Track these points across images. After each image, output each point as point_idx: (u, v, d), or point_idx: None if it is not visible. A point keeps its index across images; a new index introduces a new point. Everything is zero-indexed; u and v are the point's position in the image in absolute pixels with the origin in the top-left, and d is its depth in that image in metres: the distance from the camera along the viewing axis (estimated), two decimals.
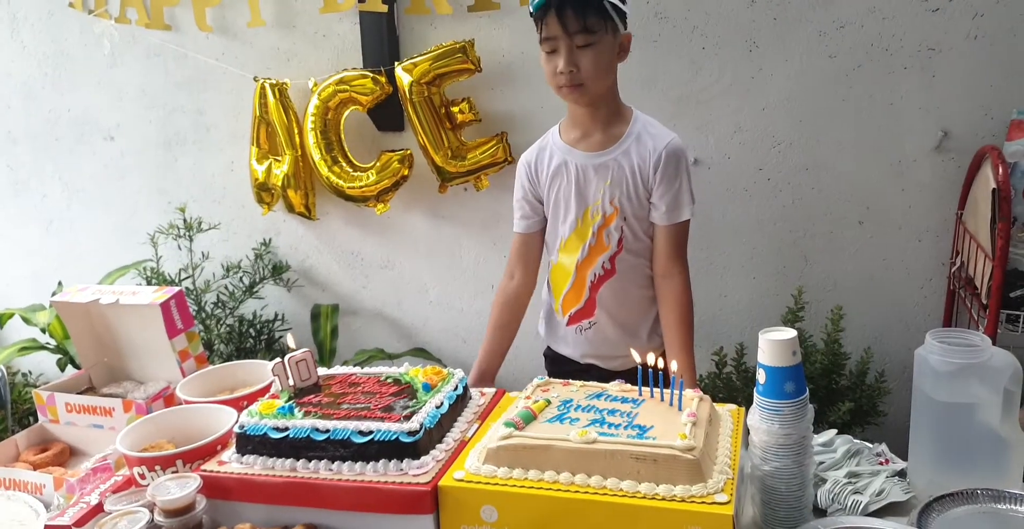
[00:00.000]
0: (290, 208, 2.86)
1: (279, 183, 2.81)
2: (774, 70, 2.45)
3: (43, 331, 2.82)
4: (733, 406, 1.42)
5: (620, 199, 1.84)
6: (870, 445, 1.50)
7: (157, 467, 1.36)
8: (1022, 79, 2.27)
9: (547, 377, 1.47)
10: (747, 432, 1.28)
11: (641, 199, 1.84)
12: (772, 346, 1.21)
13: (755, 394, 1.24)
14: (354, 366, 1.56)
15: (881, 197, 2.48)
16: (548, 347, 2.11)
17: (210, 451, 1.39)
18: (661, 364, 1.32)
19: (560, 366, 2.04)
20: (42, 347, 2.79)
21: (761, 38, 2.44)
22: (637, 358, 1.34)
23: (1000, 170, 1.98)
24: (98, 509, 1.32)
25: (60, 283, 3.02)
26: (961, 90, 2.33)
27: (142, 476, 1.37)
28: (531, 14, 1.76)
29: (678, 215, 1.84)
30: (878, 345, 2.52)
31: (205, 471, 1.31)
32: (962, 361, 1.31)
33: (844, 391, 2.35)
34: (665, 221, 1.85)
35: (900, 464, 1.44)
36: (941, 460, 1.35)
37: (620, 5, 1.73)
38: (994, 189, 1.98)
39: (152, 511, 1.25)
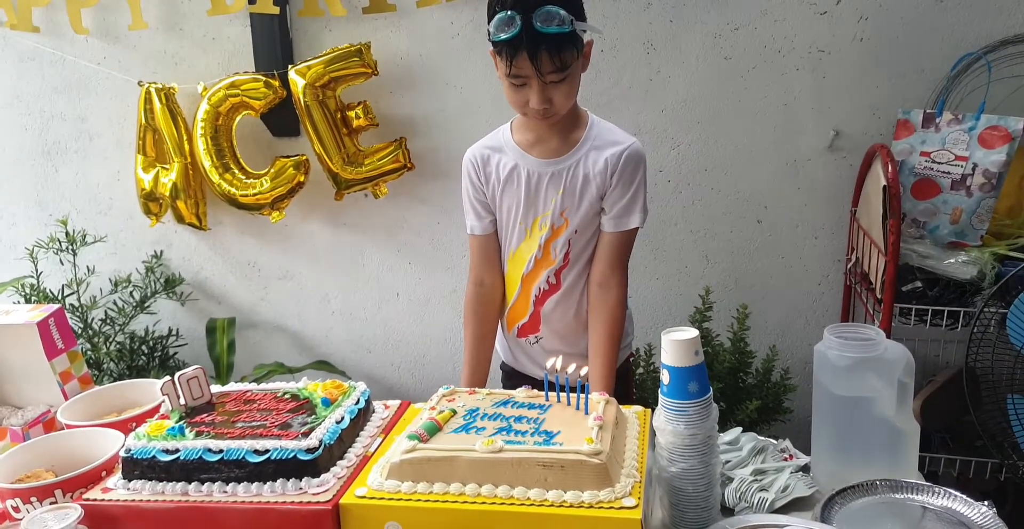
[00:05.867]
0: (179, 219, 2.74)
1: (167, 192, 2.68)
2: (671, 72, 2.47)
3: None
4: (639, 408, 1.41)
5: (571, 211, 1.73)
6: (774, 441, 1.51)
7: (33, 499, 1.27)
8: (906, 79, 2.35)
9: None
10: (654, 434, 1.27)
11: (593, 209, 1.73)
12: (674, 346, 1.20)
13: (660, 395, 1.23)
14: (252, 382, 1.50)
15: (778, 196, 2.53)
16: (504, 363, 2.00)
17: (94, 478, 1.31)
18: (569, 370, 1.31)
19: (520, 382, 1.79)
20: None
21: (658, 40, 2.45)
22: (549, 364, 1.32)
23: (890, 168, 2.03)
24: None
25: None
26: (850, 90, 2.39)
27: (16, 509, 1.28)
28: (491, 41, 1.58)
29: (627, 222, 1.72)
30: (781, 342, 2.57)
31: (87, 500, 1.23)
32: (858, 355, 1.33)
33: (751, 389, 2.38)
34: (612, 228, 1.73)
35: (804, 459, 1.45)
36: (842, 453, 1.37)
37: (583, 23, 1.59)
38: (884, 186, 2.03)
39: None
